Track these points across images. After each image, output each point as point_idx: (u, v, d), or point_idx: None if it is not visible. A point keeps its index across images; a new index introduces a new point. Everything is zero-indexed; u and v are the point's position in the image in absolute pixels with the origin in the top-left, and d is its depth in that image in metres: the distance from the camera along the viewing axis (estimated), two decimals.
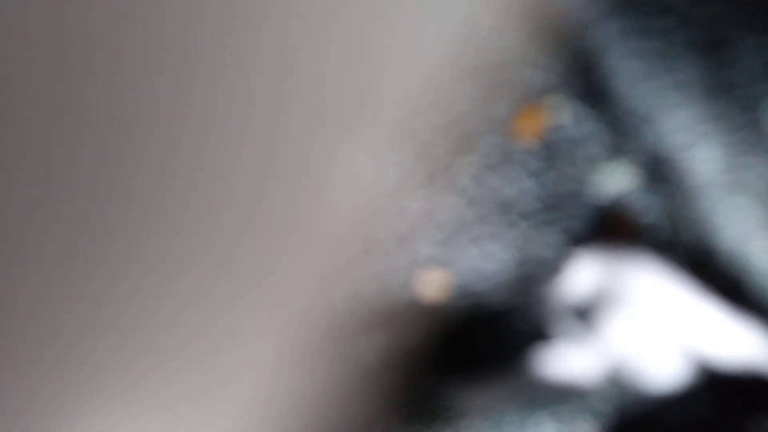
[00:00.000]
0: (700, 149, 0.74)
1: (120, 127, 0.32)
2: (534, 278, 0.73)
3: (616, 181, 0.74)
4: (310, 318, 0.39)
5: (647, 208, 0.74)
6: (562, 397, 0.73)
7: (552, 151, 0.74)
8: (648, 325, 0.73)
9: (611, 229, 0.74)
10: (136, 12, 0.31)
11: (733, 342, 0.73)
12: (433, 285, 0.73)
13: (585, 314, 0.73)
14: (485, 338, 0.73)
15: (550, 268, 0.73)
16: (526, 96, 0.74)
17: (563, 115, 0.74)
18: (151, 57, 0.31)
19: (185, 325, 0.35)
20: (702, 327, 0.73)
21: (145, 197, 0.33)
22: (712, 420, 0.73)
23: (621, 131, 0.74)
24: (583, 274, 0.73)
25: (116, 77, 0.31)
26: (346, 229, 0.37)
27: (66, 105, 0.31)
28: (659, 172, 0.74)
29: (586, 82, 0.74)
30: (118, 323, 0.35)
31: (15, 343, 0.34)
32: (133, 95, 0.32)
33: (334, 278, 0.39)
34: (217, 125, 0.33)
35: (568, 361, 0.73)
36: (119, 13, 0.30)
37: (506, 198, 0.74)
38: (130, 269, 0.34)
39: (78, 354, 0.34)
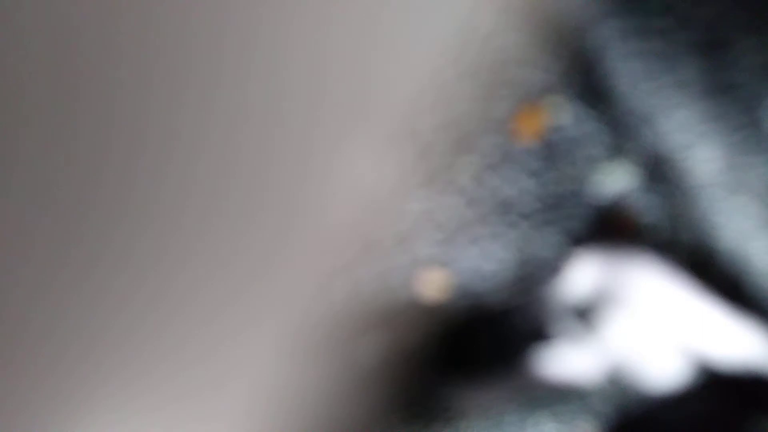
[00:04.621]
0: (700, 149, 0.74)
1: (116, 126, 0.32)
2: (534, 278, 0.73)
3: (616, 181, 0.74)
4: (310, 318, 0.39)
5: (647, 208, 0.74)
6: (562, 397, 0.73)
7: (552, 151, 0.74)
8: (648, 325, 0.73)
9: (611, 229, 0.74)
10: (132, 11, 0.31)
11: (733, 342, 0.73)
12: (433, 285, 0.73)
13: (585, 314, 0.73)
14: (485, 338, 0.73)
15: (550, 268, 0.73)
16: (526, 96, 0.74)
17: (563, 115, 0.74)
18: (147, 59, 0.31)
19: (184, 325, 0.36)
20: (702, 327, 0.73)
21: (143, 196, 0.33)
22: (712, 420, 0.73)
23: (621, 131, 0.74)
24: (583, 274, 0.73)
25: (112, 76, 0.31)
26: (346, 229, 0.37)
27: (62, 103, 0.31)
28: (659, 172, 0.74)
29: (586, 82, 0.74)
30: (116, 322, 0.35)
31: (11, 341, 0.34)
32: (129, 96, 0.32)
33: (334, 278, 0.39)
34: (215, 124, 0.33)
35: (568, 361, 0.73)
36: (114, 12, 0.30)
37: (506, 198, 0.74)
38: (128, 268, 0.34)
39: (76, 352, 0.34)
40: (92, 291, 0.34)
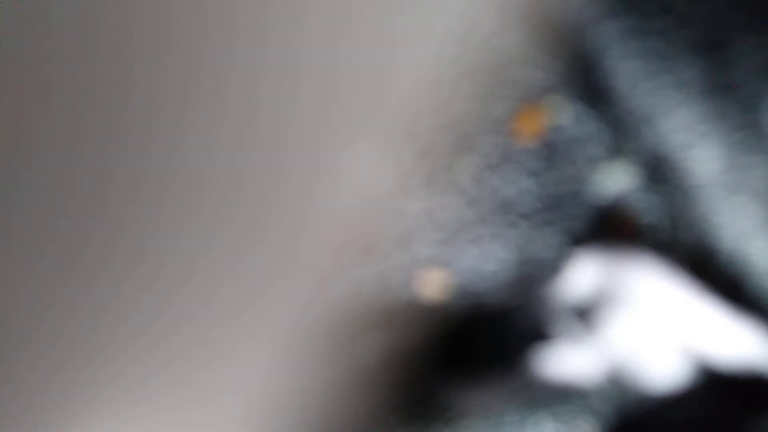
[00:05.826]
0: (700, 149, 0.74)
1: (127, 129, 0.32)
2: (534, 278, 0.73)
3: (616, 181, 0.74)
4: (310, 318, 0.39)
5: (647, 208, 0.74)
6: (562, 397, 0.73)
7: (552, 151, 0.74)
8: (648, 325, 0.73)
9: (611, 229, 0.74)
10: (145, 11, 0.31)
11: (733, 342, 0.73)
12: (433, 285, 0.73)
13: (585, 314, 0.73)
14: (485, 338, 0.73)
15: (550, 268, 0.73)
16: (526, 96, 0.74)
17: (563, 115, 0.74)
18: (158, 60, 0.31)
19: (187, 328, 0.36)
20: (702, 327, 0.73)
21: (149, 201, 0.33)
22: (712, 420, 0.73)
23: (621, 131, 0.74)
24: (583, 274, 0.73)
25: (124, 76, 0.31)
26: (346, 229, 0.37)
27: (74, 104, 0.31)
28: (659, 172, 0.74)
29: (586, 82, 0.74)
30: (121, 326, 0.35)
31: (19, 345, 0.34)
32: (140, 97, 0.32)
33: (334, 278, 0.39)
34: (220, 128, 0.33)
35: (568, 361, 0.73)
36: (127, 12, 0.30)
37: (506, 198, 0.74)
38: (134, 272, 0.34)
39: (82, 356, 0.34)
40: (99, 295, 0.34)
